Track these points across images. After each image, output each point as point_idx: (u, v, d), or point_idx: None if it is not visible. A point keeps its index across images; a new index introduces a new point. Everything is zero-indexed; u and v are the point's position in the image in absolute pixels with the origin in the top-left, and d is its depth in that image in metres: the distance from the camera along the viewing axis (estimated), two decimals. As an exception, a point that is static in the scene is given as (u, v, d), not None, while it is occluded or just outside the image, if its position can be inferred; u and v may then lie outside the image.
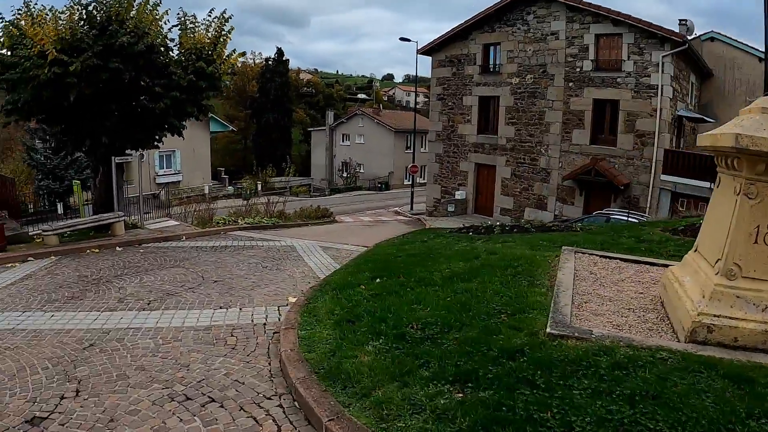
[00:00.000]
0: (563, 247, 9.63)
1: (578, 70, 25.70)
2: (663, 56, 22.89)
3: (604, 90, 24.81)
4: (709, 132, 5.60)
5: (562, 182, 26.72)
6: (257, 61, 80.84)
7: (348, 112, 67.41)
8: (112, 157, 14.28)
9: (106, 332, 6.71)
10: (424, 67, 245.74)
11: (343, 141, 60.39)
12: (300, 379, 4.90)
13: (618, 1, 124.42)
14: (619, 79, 24.24)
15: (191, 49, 14.51)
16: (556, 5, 25.95)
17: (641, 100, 23.65)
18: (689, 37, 24.99)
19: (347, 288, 7.81)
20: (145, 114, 14.15)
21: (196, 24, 14.70)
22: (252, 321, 7.25)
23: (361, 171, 57.02)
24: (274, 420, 4.54)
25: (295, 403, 4.79)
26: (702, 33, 31.33)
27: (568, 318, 5.94)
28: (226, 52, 15.17)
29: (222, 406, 4.75)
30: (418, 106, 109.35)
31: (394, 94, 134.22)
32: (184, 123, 15.06)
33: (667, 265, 7.68)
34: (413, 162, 38.84)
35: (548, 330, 5.56)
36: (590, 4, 24.82)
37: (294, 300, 8.15)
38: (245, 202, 27.05)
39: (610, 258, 9.08)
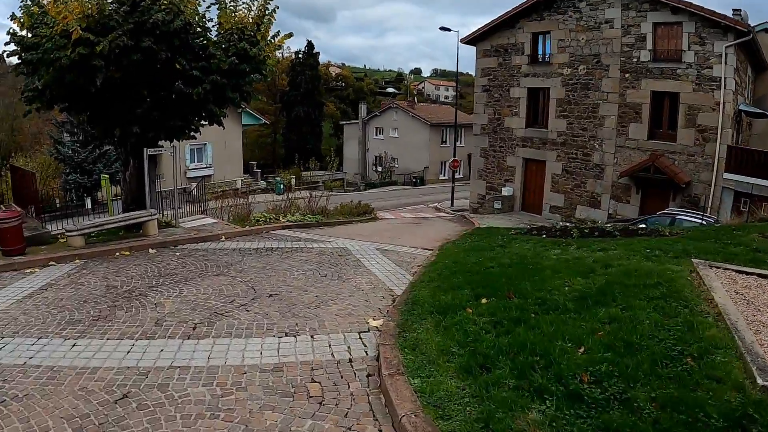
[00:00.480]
0: (694, 260, 7.86)
1: (635, 60, 23.77)
2: (726, 47, 20.90)
3: (663, 82, 22.89)
4: None
5: (617, 179, 24.84)
6: (286, 55, 79.89)
7: (381, 105, 65.57)
8: (144, 149, 12.72)
9: (144, 374, 5.05)
10: (452, 60, 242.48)
11: (376, 135, 58.53)
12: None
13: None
14: (679, 71, 22.32)
15: (232, 29, 12.85)
16: (610, -8, 23.93)
17: (703, 93, 21.73)
18: (744, 28, 23.00)
19: (449, 311, 6.08)
20: (180, 100, 12.54)
21: (237, 2, 13.03)
22: (333, 356, 5.55)
23: (396, 165, 55.20)
24: None
25: None
26: (755, 24, 29.08)
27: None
28: (271, 33, 13.49)
29: None
30: (448, 100, 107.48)
31: (423, 88, 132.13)
32: (224, 110, 13.42)
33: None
34: (454, 156, 36.87)
35: (759, 382, 4.18)
36: (647, -9, 22.81)
37: (376, 323, 6.46)
38: (282, 196, 25.52)
39: (747, 273, 7.48)
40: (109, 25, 11.08)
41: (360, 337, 6.10)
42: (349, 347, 5.78)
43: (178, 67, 12.07)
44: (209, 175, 38.49)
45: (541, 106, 27.94)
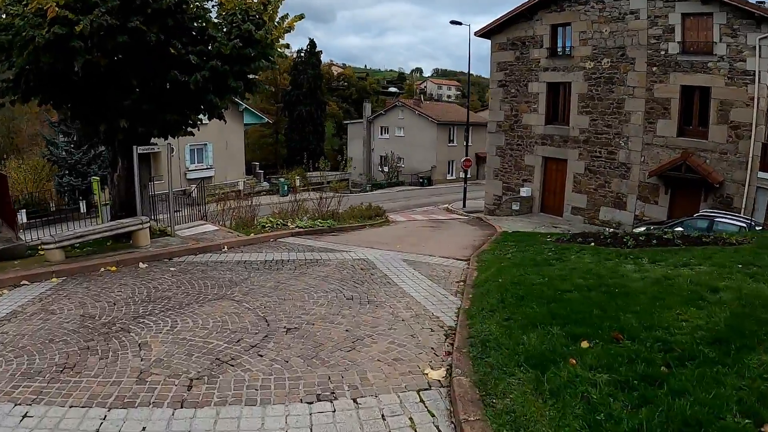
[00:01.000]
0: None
1: (663, 53, 22.38)
2: (760, 39, 19.57)
3: (693, 75, 21.52)
4: None
5: (646, 178, 23.35)
6: (287, 54, 78.12)
7: (385, 104, 63.92)
8: (134, 147, 10.99)
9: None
10: (452, 59, 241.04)
11: (381, 134, 56.76)
12: None
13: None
14: (710, 64, 20.97)
15: (235, 9, 11.13)
16: (635, -19, 22.58)
17: (736, 88, 20.39)
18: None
19: (545, 362, 4.37)
20: (175, 91, 10.83)
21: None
22: (391, 441, 3.80)
23: (402, 165, 53.48)
24: None
25: None
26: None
27: None
28: (279, 14, 11.75)
29: None
30: (451, 99, 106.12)
31: (426, 87, 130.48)
32: (226, 102, 11.68)
33: None
34: (466, 155, 35.34)
35: None
36: (674, -21, 21.50)
37: (437, 375, 4.78)
38: (287, 198, 23.84)
39: None
40: (91, 1, 9.38)
41: (421, 400, 4.37)
42: (411, 419, 4.04)
43: (172, 51, 10.36)
44: (210, 177, 36.88)
45: (561, 101, 26.51)
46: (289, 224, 15.54)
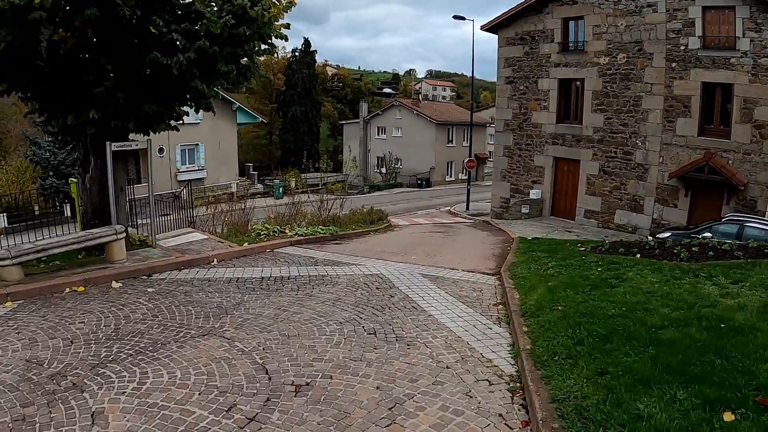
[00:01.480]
0: None
1: (682, 48, 21.09)
2: None
3: (714, 72, 20.25)
4: None
5: (666, 180, 22.00)
6: (282, 55, 77.11)
7: (382, 104, 62.47)
8: (107, 143, 9.32)
9: None
10: (446, 61, 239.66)
11: (378, 134, 54.99)
12: None
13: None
14: (732, 60, 19.72)
15: (225, -16, 9.48)
16: (652, -28, 21.33)
17: (760, 85, 19.13)
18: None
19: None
20: (156, 76, 9.18)
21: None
22: None
23: (399, 166, 51.86)
24: None
25: None
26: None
27: None
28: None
29: None
30: (446, 100, 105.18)
31: (420, 88, 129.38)
32: (215, 90, 10.01)
33: None
34: (470, 156, 33.86)
35: None
36: (694, -29, 20.25)
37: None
38: (282, 200, 22.23)
39: None
40: (52, -33, 7.74)
41: None
42: None
43: (153, 30, 8.74)
44: (202, 178, 35.17)
45: (573, 99, 24.99)
46: (287, 231, 13.92)
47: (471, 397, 4.45)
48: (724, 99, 20.31)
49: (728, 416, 3.41)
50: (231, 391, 4.49)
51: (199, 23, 9.10)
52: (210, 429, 3.87)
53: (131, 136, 10.35)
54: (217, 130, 35.73)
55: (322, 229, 14.80)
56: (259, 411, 4.14)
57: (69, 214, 24.54)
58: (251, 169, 44.59)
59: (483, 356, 5.42)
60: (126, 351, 5.40)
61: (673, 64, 21.26)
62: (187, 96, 9.62)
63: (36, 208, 26.26)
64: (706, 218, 19.41)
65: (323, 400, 4.34)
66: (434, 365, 5.14)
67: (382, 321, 6.55)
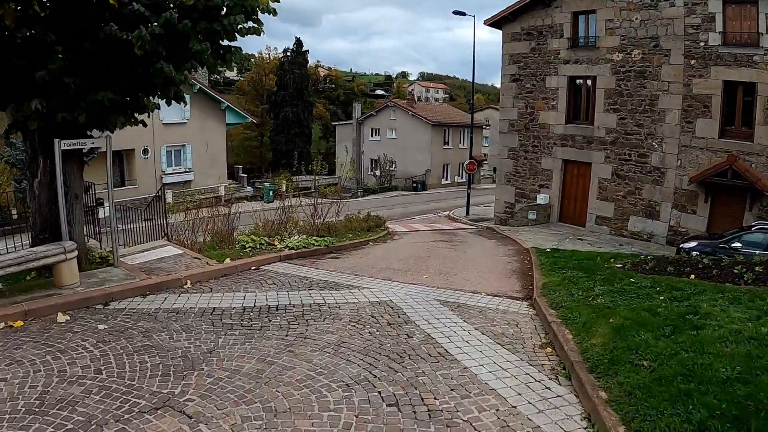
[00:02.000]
0: None
1: (702, 44, 19.81)
2: None
3: (736, 70, 19.08)
4: None
5: (686, 185, 20.65)
6: (273, 56, 75.78)
7: (376, 105, 60.92)
8: (56, 140, 7.54)
9: None
10: (438, 64, 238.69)
11: (372, 136, 53.32)
12: None
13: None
14: (755, 57, 18.51)
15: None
16: (670, -37, 20.08)
17: None
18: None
19: None
20: (114, 56, 7.38)
21: None
22: None
23: (395, 169, 50.24)
24: None
25: None
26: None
27: None
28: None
29: None
30: (438, 102, 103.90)
31: (413, 90, 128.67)
32: (185, 75, 8.21)
33: None
34: (470, 158, 32.36)
35: None
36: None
37: None
38: (272, 204, 20.53)
39: None
40: None
41: None
42: None
43: (111, 1, 7.00)
44: (189, 181, 33.44)
45: (584, 98, 23.49)
46: (276, 243, 12.20)
47: None
48: (747, 99, 19.06)
49: None
50: None
51: (166, -8, 7.37)
52: None
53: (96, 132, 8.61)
54: (205, 130, 33.96)
55: (316, 240, 13.09)
56: None
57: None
58: (241, 172, 42.82)
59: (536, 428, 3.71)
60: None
61: (692, 62, 19.92)
62: (154, 81, 7.79)
63: (14, 211, 24.54)
64: (726, 225, 18.27)
65: None
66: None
67: (403, 381, 4.82)
